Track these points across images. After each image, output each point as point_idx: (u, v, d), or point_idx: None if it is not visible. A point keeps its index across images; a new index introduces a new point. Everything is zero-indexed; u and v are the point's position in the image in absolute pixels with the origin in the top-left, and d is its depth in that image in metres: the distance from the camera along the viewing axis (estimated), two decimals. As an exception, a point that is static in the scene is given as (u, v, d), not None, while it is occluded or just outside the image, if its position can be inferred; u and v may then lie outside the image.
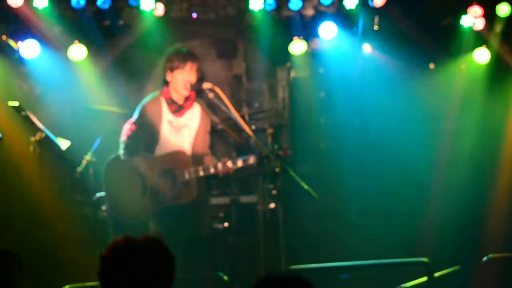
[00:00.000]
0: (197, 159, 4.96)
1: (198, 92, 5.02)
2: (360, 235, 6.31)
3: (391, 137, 6.66)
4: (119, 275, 2.41)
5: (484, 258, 5.17)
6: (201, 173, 4.84)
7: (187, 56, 4.89)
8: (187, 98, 4.97)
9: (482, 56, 6.54)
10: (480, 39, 6.53)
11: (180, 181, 4.83)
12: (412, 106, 6.70)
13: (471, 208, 6.46)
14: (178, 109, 4.95)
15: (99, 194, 5.67)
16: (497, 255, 5.26)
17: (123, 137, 4.92)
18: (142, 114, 4.93)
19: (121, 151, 4.93)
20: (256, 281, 2.32)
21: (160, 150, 4.94)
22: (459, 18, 6.44)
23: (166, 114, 4.94)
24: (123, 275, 2.41)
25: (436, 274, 5.07)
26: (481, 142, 6.60)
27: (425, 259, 4.89)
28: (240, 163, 4.84)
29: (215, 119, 5.05)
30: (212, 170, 4.84)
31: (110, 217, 5.51)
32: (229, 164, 4.82)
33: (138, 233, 2.56)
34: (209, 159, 5.03)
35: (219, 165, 4.83)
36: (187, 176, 4.83)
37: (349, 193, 6.61)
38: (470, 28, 6.45)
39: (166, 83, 4.96)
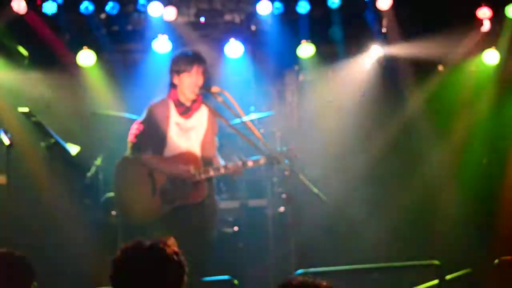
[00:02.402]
0: (206, 161, 4.96)
1: (206, 96, 5.01)
2: (370, 238, 6.29)
3: (401, 140, 6.64)
4: (131, 279, 2.43)
5: (496, 261, 5.13)
6: (212, 173, 4.84)
7: (193, 59, 4.88)
8: (194, 100, 4.97)
9: (491, 57, 6.52)
10: (489, 40, 6.51)
11: (190, 181, 4.83)
12: (422, 108, 6.68)
13: (482, 210, 6.43)
14: (186, 110, 4.94)
15: (107, 195, 5.68)
16: (508, 257, 5.21)
17: (130, 137, 4.93)
18: (149, 115, 4.92)
19: (128, 151, 4.93)
20: (278, 285, 2.34)
21: (169, 152, 4.95)
22: (468, 19, 6.42)
23: (174, 116, 4.94)
24: (134, 279, 2.43)
25: (447, 277, 5.04)
26: (492, 144, 6.57)
27: (436, 262, 4.87)
28: (250, 163, 4.83)
29: (224, 121, 5.04)
30: (222, 170, 4.84)
31: (120, 222, 5.53)
32: (240, 163, 4.82)
33: (148, 237, 2.57)
34: (217, 162, 5.03)
35: (230, 165, 4.83)
36: (197, 176, 4.83)
37: (358, 196, 6.59)
38: (480, 30, 6.44)
39: (173, 86, 4.96)
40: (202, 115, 5.02)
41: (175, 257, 2.49)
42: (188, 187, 4.83)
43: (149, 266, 2.43)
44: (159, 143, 4.91)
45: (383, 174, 6.71)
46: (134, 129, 4.92)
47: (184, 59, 4.88)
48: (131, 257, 2.45)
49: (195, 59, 4.88)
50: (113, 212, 5.66)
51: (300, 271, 4.49)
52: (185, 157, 4.89)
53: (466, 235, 6.31)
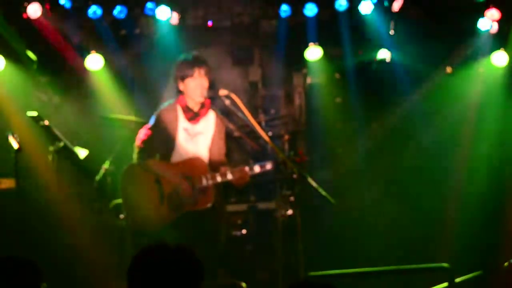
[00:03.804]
0: (213, 166, 4.96)
1: (213, 99, 5.03)
2: (379, 241, 6.27)
3: (408, 142, 6.62)
4: (148, 278, 2.43)
5: (506, 263, 5.10)
6: (219, 179, 4.84)
7: (193, 63, 4.90)
8: (202, 106, 4.98)
9: (500, 59, 6.49)
10: (497, 42, 6.48)
11: (197, 187, 4.83)
12: (430, 110, 6.66)
13: (492, 212, 6.39)
14: (193, 116, 4.96)
15: (115, 201, 5.70)
16: (519, 259, 5.18)
17: (137, 142, 4.94)
18: (158, 121, 4.95)
19: (134, 156, 4.94)
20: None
21: (177, 157, 4.96)
22: (476, 21, 6.40)
23: (182, 121, 4.95)
24: (151, 278, 2.42)
25: (457, 280, 5.01)
26: (500, 146, 6.54)
27: (445, 265, 4.83)
28: (257, 169, 4.84)
29: (231, 126, 5.05)
30: (229, 176, 4.84)
31: (128, 226, 5.53)
32: (247, 169, 4.82)
33: (157, 241, 2.57)
34: (225, 167, 5.03)
35: (237, 171, 4.83)
36: (204, 182, 4.83)
37: (366, 198, 6.57)
38: (488, 31, 6.41)
39: (180, 92, 4.99)
40: (209, 120, 5.03)
41: (195, 263, 2.49)
42: (195, 193, 4.83)
43: (168, 268, 2.43)
44: (167, 148, 4.93)
45: (391, 176, 6.68)
46: (142, 134, 4.94)
47: (185, 64, 4.91)
48: (152, 255, 2.45)
49: (196, 62, 4.90)
50: (121, 216, 5.67)
51: (308, 273, 4.48)
52: (193, 163, 4.90)
53: (476, 237, 6.28)
